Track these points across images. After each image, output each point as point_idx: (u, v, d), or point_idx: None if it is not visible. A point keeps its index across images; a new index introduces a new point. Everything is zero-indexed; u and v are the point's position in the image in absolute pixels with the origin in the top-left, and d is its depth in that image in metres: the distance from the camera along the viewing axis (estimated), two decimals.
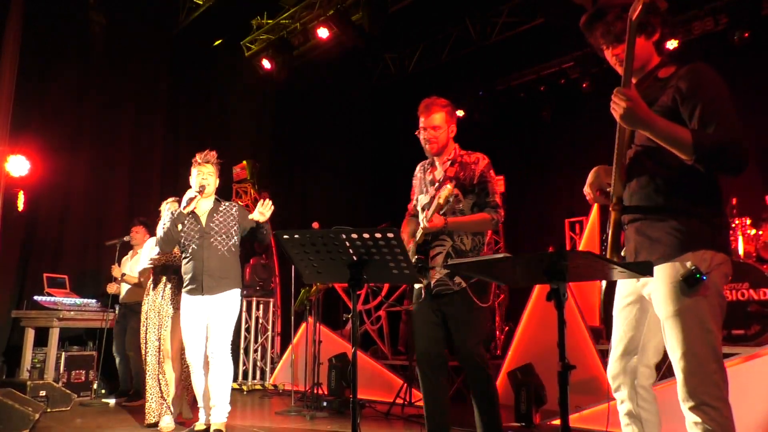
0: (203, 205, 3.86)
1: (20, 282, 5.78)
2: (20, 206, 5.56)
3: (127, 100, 6.88)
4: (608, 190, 1.91)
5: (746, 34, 6.12)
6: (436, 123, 2.86)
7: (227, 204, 3.93)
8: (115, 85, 6.74)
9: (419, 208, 2.98)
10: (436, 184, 2.91)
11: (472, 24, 7.93)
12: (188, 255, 3.76)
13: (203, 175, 3.79)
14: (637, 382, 1.90)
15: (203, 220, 3.81)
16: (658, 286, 1.76)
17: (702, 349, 1.67)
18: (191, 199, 3.72)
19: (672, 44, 6.66)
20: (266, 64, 7.61)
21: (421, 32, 8.30)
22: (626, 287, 1.93)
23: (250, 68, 7.81)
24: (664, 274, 1.75)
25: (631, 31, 1.74)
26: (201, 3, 6.97)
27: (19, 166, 5.48)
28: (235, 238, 3.84)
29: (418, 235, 2.82)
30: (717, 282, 1.72)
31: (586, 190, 2.01)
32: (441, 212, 2.72)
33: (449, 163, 2.92)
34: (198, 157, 3.82)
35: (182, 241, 3.79)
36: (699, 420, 1.64)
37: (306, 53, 7.54)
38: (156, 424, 3.95)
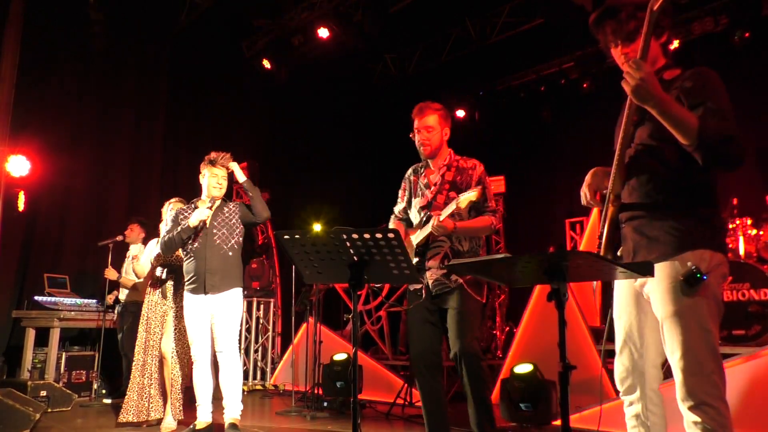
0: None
1: (20, 282, 5.78)
2: (20, 206, 5.56)
3: (127, 100, 6.87)
4: (605, 192, 1.89)
5: (746, 34, 6.12)
6: (429, 124, 2.92)
7: (233, 204, 3.94)
8: (115, 85, 6.74)
9: (414, 211, 3.00)
10: (432, 188, 2.93)
11: (472, 24, 7.93)
12: (190, 253, 3.75)
13: (218, 179, 3.80)
14: (647, 385, 1.88)
15: (207, 219, 3.77)
16: (657, 285, 1.75)
17: (701, 349, 1.67)
18: (203, 219, 3.69)
19: (672, 44, 6.67)
20: (266, 64, 7.62)
21: (421, 32, 8.30)
22: (624, 288, 1.92)
23: (250, 68, 7.81)
24: (663, 274, 1.74)
25: (651, 19, 1.72)
26: (201, 3, 6.97)
27: (19, 166, 5.49)
28: (238, 236, 3.82)
29: (422, 236, 2.84)
30: (715, 282, 1.72)
31: (584, 190, 1.97)
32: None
33: (446, 167, 2.95)
34: (212, 157, 3.80)
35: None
36: (699, 420, 1.64)
37: (306, 53, 7.53)
38: (139, 424, 3.97)
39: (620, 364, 1.91)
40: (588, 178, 1.97)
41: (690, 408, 1.66)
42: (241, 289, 3.81)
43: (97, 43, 6.32)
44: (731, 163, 1.69)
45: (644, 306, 1.85)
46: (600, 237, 1.87)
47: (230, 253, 3.76)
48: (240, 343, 6.77)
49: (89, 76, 6.49)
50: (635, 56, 1.76)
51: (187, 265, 3.77)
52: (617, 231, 1.86)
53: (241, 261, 3.86)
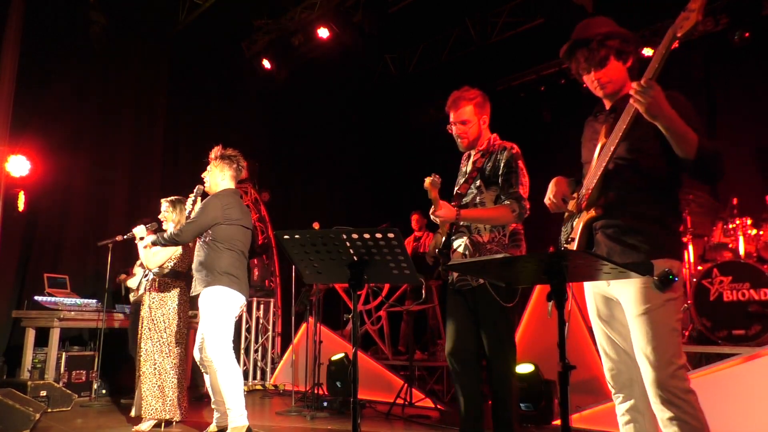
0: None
1: (20, 282, 5.78)
2: (20, 206, 5.56)
3: (127, 100, 6.87)
4: (568, 198, 2.07)
5: (746, 34, 6.12)
6: (465, 117, 2.76)
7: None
8: (115, 85, 6.74)
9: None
10: (467, 176, 2.81)
11: (472, 24, 7.93)
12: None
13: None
14: (635, 381, 1.94)
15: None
16: (630, 287, 1.87)
17: (671, 346, 1.79)
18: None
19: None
20: (266, 64, 7.61)
21: (421, 32, 8.30)
22: (595, 292, 2.05)
23: (250, 68, 7.81)
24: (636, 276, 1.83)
25: (668, 43, 1.79)
26: (201, 3, 6.97)
27: (19, 166, 5.49)
28: (209, 231, 3.61)
29: (443, 225, 2.69)
30: (680, 288, 1.87)
31: (552, 199, 2.12)
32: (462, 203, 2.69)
33: (480, 154, 2.79)
34: None
35: None
36: (672, 414, 1.74)
37: (306, 53, 7.53)
38: (160, 424, 3.96)
39: (608, 363, 2.05)
40: (553, 187, 2.13)
41: (663, 403, 1.75)
42: (217, 288, 3.51)
43: (97, 43, 6.32)
44: (716, 177, 1.85)
45: (614, 309, 1.98)
46: (567, 240, 2.05)
47: (201, 251, 3.62)
48: (240, 343, 6.78)
49: (89, 76, 6.49)
50: (607, 80, 2.00)
51: None
52: (590, 236, 2.02)
53: (225, 256, 3.59)
